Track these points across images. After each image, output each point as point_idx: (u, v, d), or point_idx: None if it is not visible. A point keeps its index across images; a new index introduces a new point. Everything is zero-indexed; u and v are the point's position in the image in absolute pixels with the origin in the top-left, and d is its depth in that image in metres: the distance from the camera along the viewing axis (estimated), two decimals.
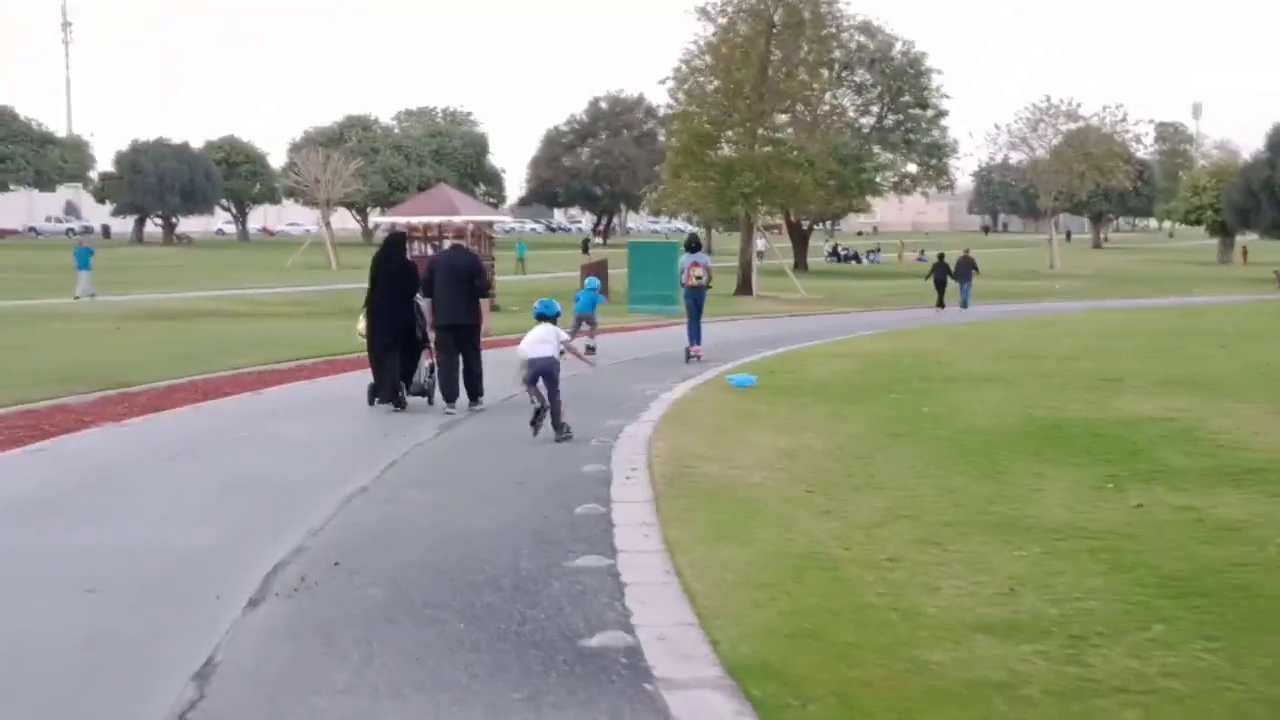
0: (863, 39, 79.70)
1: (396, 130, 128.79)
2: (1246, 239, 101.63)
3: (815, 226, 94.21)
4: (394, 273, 16.49)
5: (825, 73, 58.48)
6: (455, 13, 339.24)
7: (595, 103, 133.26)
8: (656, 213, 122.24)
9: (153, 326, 32.72)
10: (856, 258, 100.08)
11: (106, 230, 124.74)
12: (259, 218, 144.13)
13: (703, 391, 18.28)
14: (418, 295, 16.44)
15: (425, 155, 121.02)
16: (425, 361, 16.88)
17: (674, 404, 16.71)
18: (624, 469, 11.50)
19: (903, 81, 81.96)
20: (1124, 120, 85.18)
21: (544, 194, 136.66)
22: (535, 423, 14.26)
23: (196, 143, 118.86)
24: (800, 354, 25.66)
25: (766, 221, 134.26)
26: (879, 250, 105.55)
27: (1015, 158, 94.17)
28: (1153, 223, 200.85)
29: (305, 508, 9.98)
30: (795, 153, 55.60)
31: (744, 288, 55.32)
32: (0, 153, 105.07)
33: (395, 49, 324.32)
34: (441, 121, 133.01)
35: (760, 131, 55.61)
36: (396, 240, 17.44)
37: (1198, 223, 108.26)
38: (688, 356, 23.96)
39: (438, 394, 16.65)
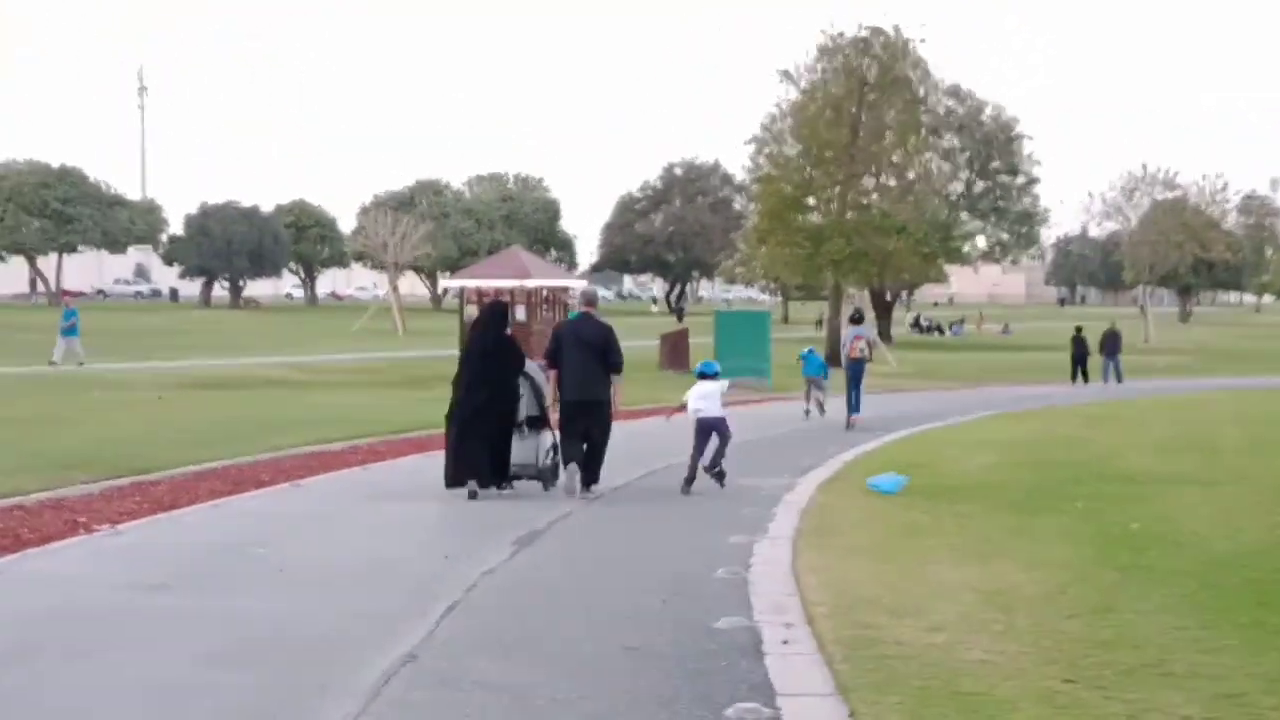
0: (951, 103, 76.53)
1: (467, 195, 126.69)
2: None
3: (897, 297, 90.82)
4: (488, 348, 14.99)
5: (916, 136, 55.27)
6: (529, 78, 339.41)
7: (670, 169, 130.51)
8: (731, 281, 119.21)
9: (200, 397, 29.87)
10: (940, 329, 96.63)
11: (175, 293, 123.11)
12: (328, 282, 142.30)
13: (835, 492, 15.05)
14: (538, 365, 15.30)
15: (496, 220, 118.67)
16: (546, 440, 15.25)
17: (806, 510, 13.46)
18: (774, 624, 8.25)
19: (992, 147, 78.69)
20: (1224, 189, 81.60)
21: (616, 260, 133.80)
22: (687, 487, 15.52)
23: (266, 206, 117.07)
24: (926, 439, 22.44)
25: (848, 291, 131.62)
26: (963, 321, 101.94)
27: (1109, 227, 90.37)
28: (1233, 296, 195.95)
29: (319, 694, 6.84)
30: (888, 219, 52.51)
31: (834, 360, 51.99)
32: (68, 214, 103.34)
33: (468, 114, 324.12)
34: (513, 186, 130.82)
35: (850, 196, 52.66)
36: (498, 310, 16.08)
37: None
38: (848, 425, 25.04)
39: (561, 478, 15.06)
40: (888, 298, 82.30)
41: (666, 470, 17.33)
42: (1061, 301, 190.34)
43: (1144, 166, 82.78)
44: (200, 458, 17.93)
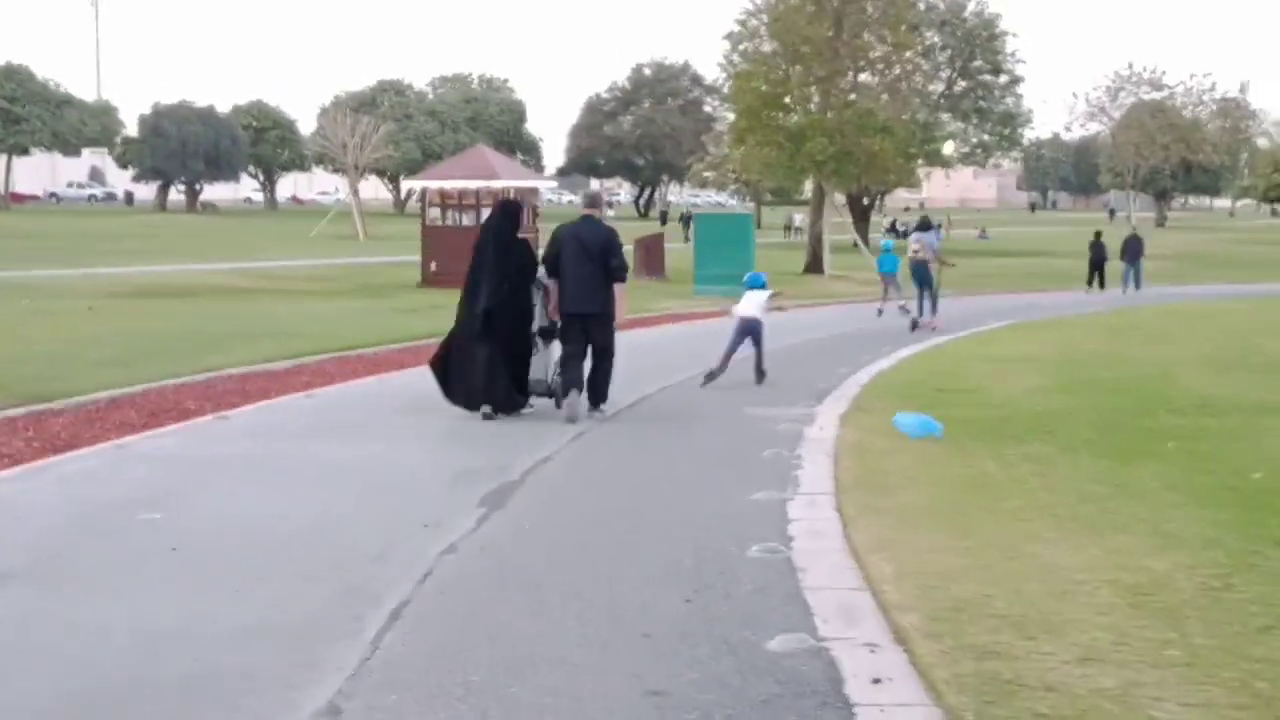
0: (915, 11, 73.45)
1: (430, 96, 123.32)
2: None
3: (874, 202, 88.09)
4: (500, 252, 13.59)
5: (902, 29, 52.45)
6: None
7: (639, 69, 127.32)
8: (701, 185, 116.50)
9: (136, 307, 27.14)
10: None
11: (130, 197, 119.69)
12: (289, 186, 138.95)
13: (864, 426, 12.61)
14: (540, 275, 13.76)
15: (460, 122, 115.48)
16: (556, 353, 13.93)
17: (838, 453, 11.06)
18: (851, 645, 5.82)
19: (975, 45, 75.69)
20: (1212, 90, 79.15)
21: (584, 164, 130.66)
22: (707, 380, 16.17)
23: (223, 107, 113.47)
24: (945, 354, 20.16)
25: (809, 197, 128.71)
26: (941, 226, 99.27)
27: (1093, 129, 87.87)
28: (1204, 201, 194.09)
29: None
30: (872, 117, 49.82)
31: (814, 266, 49.66)
32: (15, 114, 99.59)
33: (431, 12, 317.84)
34: (477, 87, 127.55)
35: (832, 94, 49.94)
36: (510, 210, 14.49)
37: (1278, 199, 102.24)
38: (914, 326, 25.59)
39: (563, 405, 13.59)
40: (865, 202, 79.74)
41: (661, 394, 15.36)
42: (1033, 207, 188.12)
43: (1130, 66, 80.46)
44: (118, 381, 15.43)
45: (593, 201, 14.47)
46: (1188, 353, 19.51)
